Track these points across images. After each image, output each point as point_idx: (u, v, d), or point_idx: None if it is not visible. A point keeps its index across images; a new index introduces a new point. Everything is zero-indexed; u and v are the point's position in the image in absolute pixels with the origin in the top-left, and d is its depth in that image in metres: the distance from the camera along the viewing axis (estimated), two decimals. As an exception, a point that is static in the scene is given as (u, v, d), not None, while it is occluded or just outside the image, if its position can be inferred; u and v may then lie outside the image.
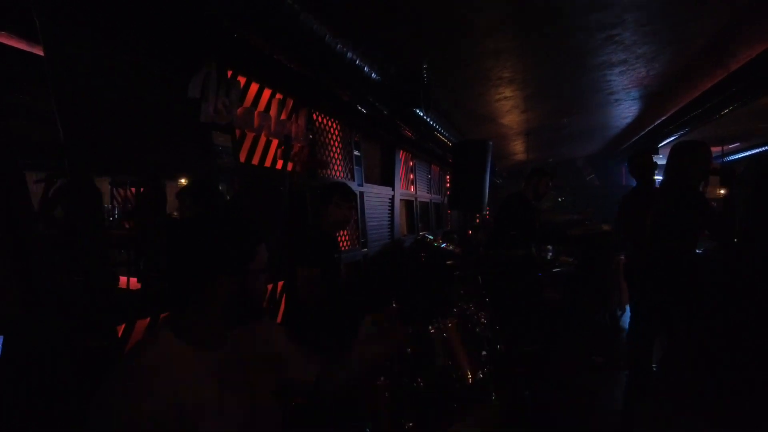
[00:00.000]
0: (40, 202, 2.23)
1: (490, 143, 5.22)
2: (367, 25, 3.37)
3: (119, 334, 2.08)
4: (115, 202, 3.98)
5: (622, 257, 4.15)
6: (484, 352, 2.45)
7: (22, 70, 2.03)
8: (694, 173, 2.72)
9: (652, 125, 8.40)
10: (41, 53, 1.90)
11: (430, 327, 2.36)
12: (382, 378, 2.26)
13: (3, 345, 1.25)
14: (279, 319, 3.27)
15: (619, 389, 3.27)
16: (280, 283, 3.35)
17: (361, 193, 4.97)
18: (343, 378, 1.55)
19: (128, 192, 4.06)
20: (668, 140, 8.58)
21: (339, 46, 2.97)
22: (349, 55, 3.11)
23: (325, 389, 1.50)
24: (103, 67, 2.16)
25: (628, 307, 4.09)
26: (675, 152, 2.81)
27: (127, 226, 3.65)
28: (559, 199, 12.98)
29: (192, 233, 1.21)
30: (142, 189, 3.27)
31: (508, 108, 6.61)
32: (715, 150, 9.68)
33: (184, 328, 1.19)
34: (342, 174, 4.64)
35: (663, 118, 7.87)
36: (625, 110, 7.66)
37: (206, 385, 1.16)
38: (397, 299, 2.19)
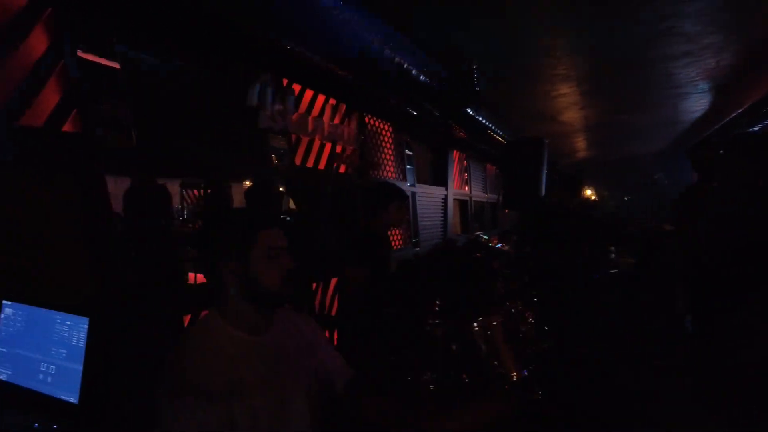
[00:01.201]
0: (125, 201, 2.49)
1: (546, 141, 5.15)
2: (416, 27, 3.45)
3: (185, 324, 2.30)
4: (184, 203, 4.30)
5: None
6: (529, 351, 2.46)
7: (103, 82, 2.27)
8: (756, 168, 2.57)
9: (727, 119, 7.88)
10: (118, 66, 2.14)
11: (474, 324, 2.40)
12: (428, 372, 2.34)
13: (89, 326, 1.44)
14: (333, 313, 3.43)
15: (681, 394, 3.15)
16: (333, 281, 3.50)
17: (413, 194, 5.06)
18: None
19: (196, 193, 4.38)
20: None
21: (387, 51, 3.08)
22: (397, 59, 3.21)
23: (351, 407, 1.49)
24: (171, 80, 2.39)
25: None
26: (732, 146, 2.66)
27: (190, 225, 3.95)
28: (625, 198, 12.42)
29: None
30: (209, 190, 3.54)
31: (566, 105, 6.46)
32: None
33: (229, 313, 1.30)
34: (394, 175, 4.74)
35: (739, 111, 7.37)
36: (693, 104, 7.25)
37: (253, 366, 1.27)
38: (441, 296, 2.26)
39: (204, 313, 1.37)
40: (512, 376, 2.37)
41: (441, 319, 2.25)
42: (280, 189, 3.29)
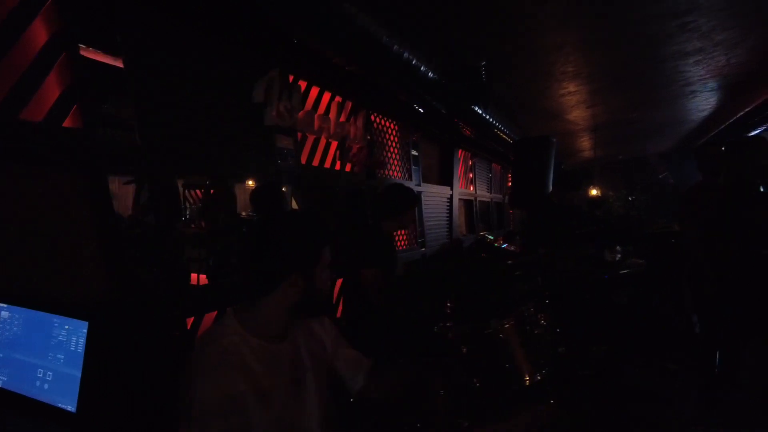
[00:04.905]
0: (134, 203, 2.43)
1: (554, 139, 5.07)
2: (425, 24, 3.38)
3: (188, 326, 2.23)
4: (187, 203, 4.22)
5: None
6: (542, 354, 2.39)
7: (106, 82, 2.21)
8: (753, 171, 2.55)
9: (734, 117, 7.79)
10: (122, 65, 2.08)
11: (486, 327, 2.33)
12: (438, 377, 2.27)
13: (88, 331, 1.37)
14: (338, 315, 3.36)
15: (693, 397, 3.09)
16: (339, 281, 3.43)
17: (419, 193, 4.99)
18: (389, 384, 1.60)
19: (200, 193, 4.31)
20: (755, 133, 7.93)
21: (396, 46, 3.01)
22: (406, 55, 3.14)
23: (370, 392, 1.55)
24: (176, 77, 2.32)
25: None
26: (732, 149, 2.64)
27: (193, 226, 3.87)
28: (630, 198, 12.32)
29: (269, 233, 1.28)
30: (212, 191, 3.48)
31: (574, 103, 6.38)
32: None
33: (250, 320, 1.26)
34: (399, 174, 4.67)
35: (747, 109, 7.27)
36: (702, 103, 7.16)
37: (271, 374, 1.23)
38: (452, 299, 2.19)
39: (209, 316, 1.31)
40: (525, 380, 2.31)
41: (452, 322, 2.18)
42: (283, 189, 3.21)
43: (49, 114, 1.81)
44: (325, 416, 1.36)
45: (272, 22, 2.40)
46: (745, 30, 4.31)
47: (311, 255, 1.29)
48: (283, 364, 1.29)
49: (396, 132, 4.67)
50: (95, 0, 1.98)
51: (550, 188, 4.94)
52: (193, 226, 4.11)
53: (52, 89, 1.86)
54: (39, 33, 1.86)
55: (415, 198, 2.84)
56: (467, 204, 6.80)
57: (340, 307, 3.39)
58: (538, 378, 2.34)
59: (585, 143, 9.59)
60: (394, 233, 2.94)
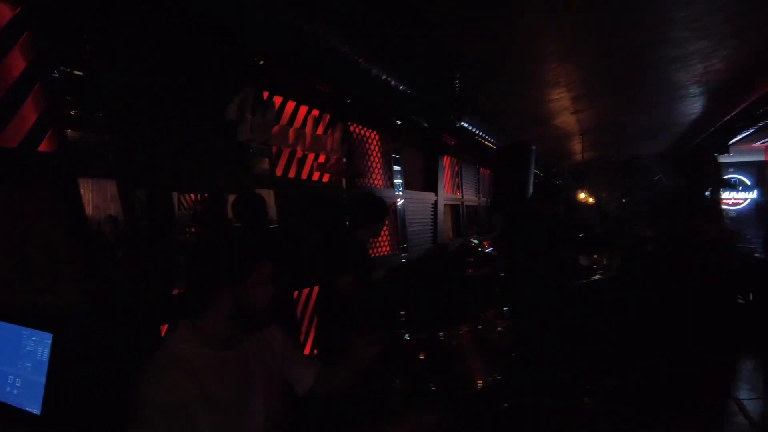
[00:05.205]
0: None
1: (533, 147, 5.19)
2: (398, 42, 3.51)
3: (162, 333, 2.38)
4: (182, 208, 4.37)
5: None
6: (496, 360, 2.53)
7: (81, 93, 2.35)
8: (699, 182, 2.68)
9: (722, 121, 7.88)
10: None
11: (441, 333, 2.47)
12: (397, 381, 2.41)
13: (52, 342, 1.52)
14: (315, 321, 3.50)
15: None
16: (316, 288, 3.56)
17: (402, 200, 5.12)
18: (338, 381, 1.70)
19: (193, 197, 4.46)
20: (740, 137, 8.03)
21: (367, 65, 3.15)
22: (382, 76, 3.27)
23: (321, 391, 1.67)
24: (150, 94, 2.48)
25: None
26: (684, 160, 2.77)
27: (186, 230, 4.03)
28: (623, 200, 12.38)
29: (199, 249, 1.42)
30: (206, 194, 3.64)
31: (559, 109, 6.50)
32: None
33: (199, 330, 1.39)
34: (381, 182, 4.81)
35: (732, 114, 7.37)
36: (688, 107, 7.26)
37: (208, 382, 1.36)
38: (407, 307, 2.33)
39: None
40: (476, 384, 2.45)
41: (406, 330, 2.32)
42: (263, 199, 3.35)
43: (24, 139, 1.96)
44: (272, 421, 1.46)
45: (245, 46, 2.55)
46: (716, 41, 4.44)
47: (239, 270, 1.37)
48: (232, 371, 1.40)
49: (377, 141, 4.81)
50: (69, 28, 2.14)
51: (530, 193, 5.07)
52: (186, 230, 4.27)
53: (28, 116, 2.01)
54: (16, 63, 2.01)
55: (386, 209, 2.95)
56: (454, 208, 6.93)
57: (307, 314, 3.53)
58: (490, 383, 2.48)
59: (575, 146, 9.69)
60: (371, 240, 3.08)
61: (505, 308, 2.85)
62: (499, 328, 2.71)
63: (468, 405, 2.35)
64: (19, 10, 1.97)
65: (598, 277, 4.16)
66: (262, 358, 1.53)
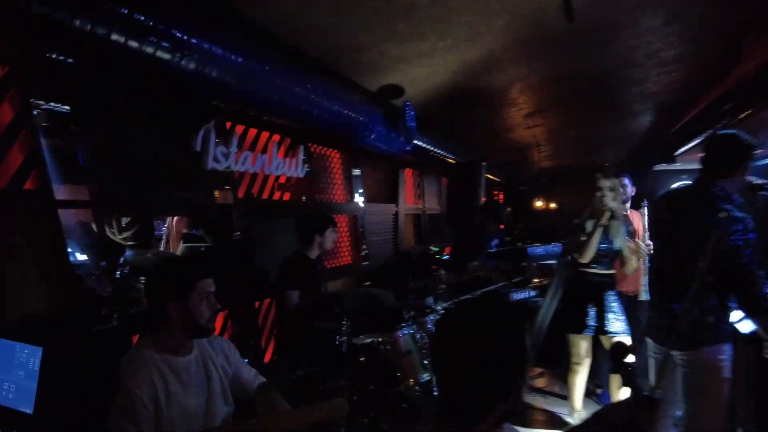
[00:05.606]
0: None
1: (483, 164, 5.64)
2: (351, 73, 3.90)
3: (133, 342, 2.73)
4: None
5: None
6: (426, 361, 2.95)
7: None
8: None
9: (664, 135, 8.46)
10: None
11: (379, 339, 2.89)
12: (342, 380, 2.81)
13: (42, 354, 1.87)
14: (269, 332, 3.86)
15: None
16: (267, 301, 3.90)
17: (363, 213, 5.51)
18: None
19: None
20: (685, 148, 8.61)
21: (324, 103, 3.52)
22: (335, 108, 3.65)
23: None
24: (123, 136, 2.83)
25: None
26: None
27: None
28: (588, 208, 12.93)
29: (150, 272, 1.79)
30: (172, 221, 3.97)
31: (511, 126, 6.95)
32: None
33: (161, 340, 1.76)
34: (342, 197, 5.19)
35: (675, 129, 7.95)
36: (635, 122, 7.81)
37: (171, 381, 1.73)
38: (347, 315, 2.72)
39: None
40: (409, 383, 2.86)
41: (347, 336, 2.71)
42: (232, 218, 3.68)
43: (11, 180, 2.29)
44: (228, 412, 1.86)
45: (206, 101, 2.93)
46: (645, 71, 4.93)
47: (180, 288, 1.73)
48: (190, 372, 1.78)
49: (338, 159, 5.19)
50: (52, 84, 2.48)
51: (479, 205, 5.51)
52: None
53: (14, 159, 2.34)
54: (5, 113, 2.33)
55: (330, 221, 3.34)
56: (416, 217, 7.34)
57: (268, 323, 3.89)
58: (422, 381, 2.90)
59: (535, 156, 10.20)
60: (321, 255, 3.45)
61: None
62: (432, 332, 3.14)
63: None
64: (7, 69, 2.30)
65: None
66: (218, 363, 1.92)
